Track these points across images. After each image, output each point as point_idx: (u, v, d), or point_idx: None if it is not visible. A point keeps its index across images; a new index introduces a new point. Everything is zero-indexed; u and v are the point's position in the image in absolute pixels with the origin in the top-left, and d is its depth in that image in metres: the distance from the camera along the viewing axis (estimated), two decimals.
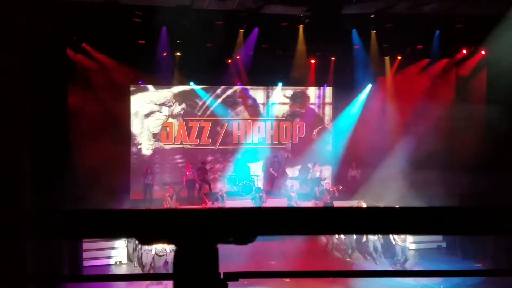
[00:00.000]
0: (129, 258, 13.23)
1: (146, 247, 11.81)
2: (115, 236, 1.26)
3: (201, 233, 1.17)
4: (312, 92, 18.11)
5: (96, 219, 1.20)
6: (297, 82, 17.21)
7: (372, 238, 13.02)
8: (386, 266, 12.88)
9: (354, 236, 13.17)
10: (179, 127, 17.04)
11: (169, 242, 1.23)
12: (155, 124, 16.84)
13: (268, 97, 17.83)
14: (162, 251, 11.71)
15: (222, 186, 16.27)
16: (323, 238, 14.29)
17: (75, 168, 12.17)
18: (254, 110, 17.74)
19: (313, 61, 15.81)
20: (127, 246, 13.26)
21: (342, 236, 13.29)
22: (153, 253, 11.78)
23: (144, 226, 1.19)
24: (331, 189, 15.30)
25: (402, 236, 12.43)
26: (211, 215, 1.20)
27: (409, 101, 15.40)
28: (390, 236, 12.73)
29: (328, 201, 14.70)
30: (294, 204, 14.72)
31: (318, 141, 18.03)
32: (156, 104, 16.81)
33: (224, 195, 14.75)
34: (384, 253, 13.27)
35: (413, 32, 13.73)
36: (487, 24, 12.60)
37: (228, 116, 17.46)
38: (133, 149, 16.63)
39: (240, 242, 1.19)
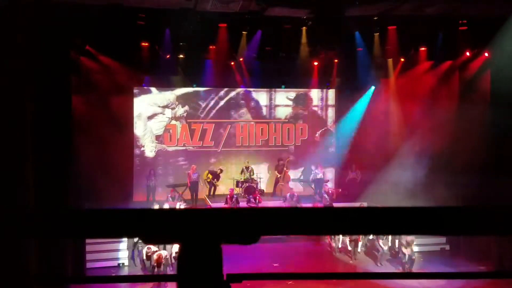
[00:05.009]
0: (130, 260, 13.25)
1: (150, 249, 11.82)
2: (119, 235, 1.27)
3: (205, 233, 1.17)
4: (315, 94, 18.10)
5: (100, 219, 1.21)
6: (300, 84, 17.21)
7: (382, 240, 13.13)
8: (390, 268, 12.86)
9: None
10: (182, 129, 17.06)
11: (173, 242, 1.24)
12: (158, 126, 16.86)
13: (271, 99, 17.83)
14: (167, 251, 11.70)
15: (225, 188, 16.25)
16: (327, 240, 14.28)
17: (79, 170, 12.20)
18: (257, 112, 17.74)
19: (316, 63, 15.80)
20: (128, 248, 13.26)
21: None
22: (155, 255, 11.73)
23: (148, 225, 1.19)
24: (330, 191, 15.32)
25: (408, 241, 12.40)
26: (215, 215, 1.20)
27: (412, 103, 15.38)
28: (396, 243, 12.80)
29: (328, 203, 14.72)
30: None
31: (321, 143, 18.02)
32: (159, 106, 16.83)
33: (235, 196, 14.75)
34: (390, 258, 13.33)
35: (416, 34, 13.72)
36: (490, 26, 12.59)
37: (231, 118, 17.47)
38: (136, 151, 16.65)
39: (243, 242, 1.20)
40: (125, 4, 11.73)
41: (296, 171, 17.68)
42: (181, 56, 14.43)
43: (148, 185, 15.81)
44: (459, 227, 1.21)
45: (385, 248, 13.20)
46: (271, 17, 13.10)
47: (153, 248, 11.84)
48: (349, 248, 13.46)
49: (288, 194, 15.21)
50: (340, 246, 13.82)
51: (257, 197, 15.13)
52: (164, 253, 11.55)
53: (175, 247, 11.47)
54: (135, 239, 12.60)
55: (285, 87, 17.43)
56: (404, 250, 12.42)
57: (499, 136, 12.55)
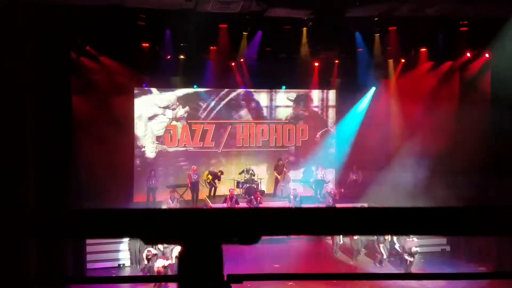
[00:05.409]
0: (132, 261, 13.24)
1: (150, 252, 11.82)
2: (119, 236, 1.27)
3: (205, 233, 1.17)
4: (315, 95, 18.09)
5: (100, 219, 1.21)
6: (301, 85, 17.21)
7: (382, 244, 13.14)
8: (391, 269, 12.86)
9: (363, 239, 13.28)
10: (182, 130, 17.06)
11: (174, 242, 1.23)
12: (158, 127, 16.85)
13: (271, 100, 17.83)
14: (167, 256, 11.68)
15: (226, 189, 16.26)
16: (329, 240, 14.32)
17: (79, 170, 12.20)
18: (257, 113, 17.74)
19: (316, 64, 15.80)
20: (129, 249, 13.26)
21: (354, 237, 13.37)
22: (156, 266, 11.62)
23: (148, 225, 1.19)
24: (332, 192, 15.32)
25: (413, 252, 12.37)
26: (216, 215, 1.20)
27: (413, 104, 15.38)
28: (398, 247, 12.78)
29: (330, 204, 14.74)
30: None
31: (322, 144, 18.01)
32: (159, 107, 16.83)
33: (234, 197, 14.80)
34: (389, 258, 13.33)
35: (416, 35, 13.71)
36: (491, 27, 12.59)
37: (231, 119, 17.46)
38: (137, 151, 16.65)
39: (244, 242, 1.19)
40: (126, 5, 11.73)
41: (296, 172, 17.68)
42: (182, 56, 14.44)
43: (149, 186, 15.80)
44: (459, 228, 1.21)
45: (384, 253, 13.20)
46: (272, 17, 13.10)
47: (153, 251, 11.84)
48: (354, 246, 13.46)
49: (291, 195, 15.24)
50: (341, 242, 13.86)
51: (258, 198, 15.14)
52: (166, 262, 11.45)
53: (175, 251, 11.46)
54: (137, 245, 12.63)
55: (285, 88, 17.44)
56: (407, 257, 12.39)
57: (500, 137, 12.55)
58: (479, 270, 12.73)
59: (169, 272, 11.50)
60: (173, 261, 11.52)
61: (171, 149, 16.98)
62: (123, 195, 15.11)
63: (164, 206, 14.16)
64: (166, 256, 11.74)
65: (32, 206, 8.78)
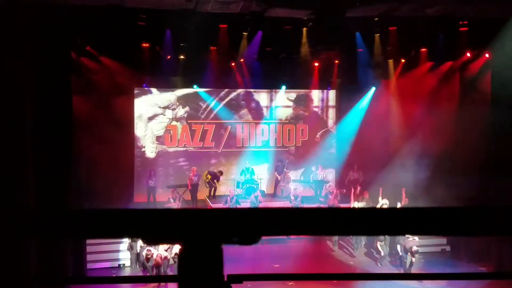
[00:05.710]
0: (132, 262, 13.24)
1: (150, 251, 11.82)
2: (120, 236, 1.27)
3: (206, 234, 1.17)
4: (315, 95, 18.09)
5: (100, 219, 1.21)
6: (301, 85, 17.21)
7: (381, 243, 13.13)
8: (391, 269, 12.86)
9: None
10: (182, 130, 17.06)
11: (174, 242, 1.23)
12: (158, 127, 16.86)
13: (271, 100, 17.83)
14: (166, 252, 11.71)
15: (226, 189, 16.26)
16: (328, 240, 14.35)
17: (79, 170, 12.20)
18: (257, 113, 17.74)
19: (316, 64, 15.80)
20: (128, 249, 13.26)
21: None
22: (155, 256, 11.73)
23: (149, 226, 1.19)
24: (334, 192, 15.33)
25: (414, 251, 12.37)
26: (216, 215, 1.20)
27: (413, 104, 15.38)
28: (398, 248, 12.76)
29: (332, 204, 14.74)
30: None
31: (322, 144, 18.01)
32: (160, 107, 16.84)
33: (234, 197, 14.81)
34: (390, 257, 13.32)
35: (416, 35, 13.72)
36: (491, 27, 12.60)
37: (231, 119, 17.46)
38: (137, 151, 16.65)
39: (244, 242, 1.19)
40: (126, 5, 11.73)
41: (296, 172, 17.68)
42: (182, 57, 14.45)
43: (149, 186, 15.80)
44: (460, 228, 1.21)
45: (383, 252, 13.20)
46: (272, 18, 13.11)
47: (153, 250, 11.85)
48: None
49: (292, 195, 15.24)
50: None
51: (258, 198, 15.15)
52: (164, 253, 11.54)
53: (176, 248, 11.50)
54: (134, 244, 12.64)
55: (285, 88, 17.44)
56: (407, 257, 12.38)
57: (500, 137, 12.55)
58: (479, 270, 12.72)
59: (167, 267, 11.52)
60: (172, 255, 11.56)
61: (171, 149, 16.98)
62: (123, 195, 15.11)
63: (165, 206, 14.18)
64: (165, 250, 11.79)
65: (32, 206, 8.79)
